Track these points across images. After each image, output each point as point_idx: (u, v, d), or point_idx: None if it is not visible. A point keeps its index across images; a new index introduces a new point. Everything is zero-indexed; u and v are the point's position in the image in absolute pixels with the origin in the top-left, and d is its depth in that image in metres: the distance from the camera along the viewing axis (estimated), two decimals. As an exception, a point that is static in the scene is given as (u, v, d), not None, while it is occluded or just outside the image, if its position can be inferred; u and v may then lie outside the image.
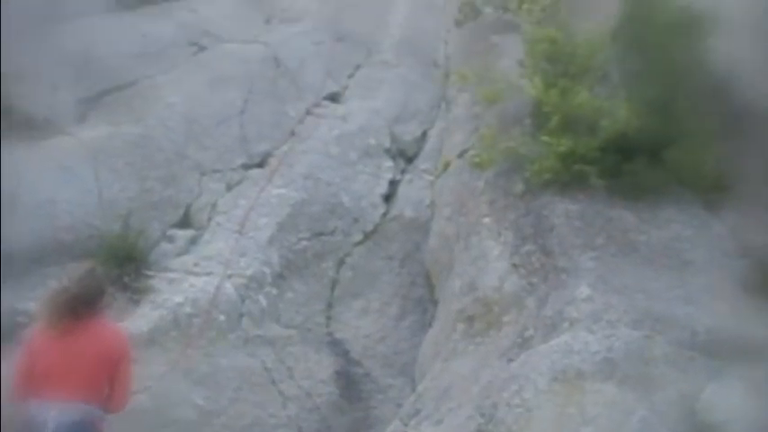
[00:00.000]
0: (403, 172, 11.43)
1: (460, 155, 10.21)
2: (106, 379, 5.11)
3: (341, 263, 9.58)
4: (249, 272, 8.74)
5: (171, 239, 9.32)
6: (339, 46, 14.24)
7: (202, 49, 12.98)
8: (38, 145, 9.58)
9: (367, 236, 10.01)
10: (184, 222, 9.67)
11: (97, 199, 9.20)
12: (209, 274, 8.63)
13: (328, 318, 9.13)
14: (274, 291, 8.83)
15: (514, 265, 7.63)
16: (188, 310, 8.08)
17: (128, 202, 9.34)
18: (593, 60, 8.81)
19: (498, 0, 14.87)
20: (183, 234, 9.43)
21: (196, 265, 8.77)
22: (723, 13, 9.06)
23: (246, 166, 10.69)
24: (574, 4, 13.05)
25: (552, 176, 7.89)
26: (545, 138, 7.97)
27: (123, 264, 8.33)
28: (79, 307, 4.91)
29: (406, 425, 7.19)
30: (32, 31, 10.98)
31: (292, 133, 11.57)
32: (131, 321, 7.64)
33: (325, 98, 12.74)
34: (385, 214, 10.46)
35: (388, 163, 11.40)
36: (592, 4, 12.79)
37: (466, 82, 10.03)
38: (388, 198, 10.78)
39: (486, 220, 8.35)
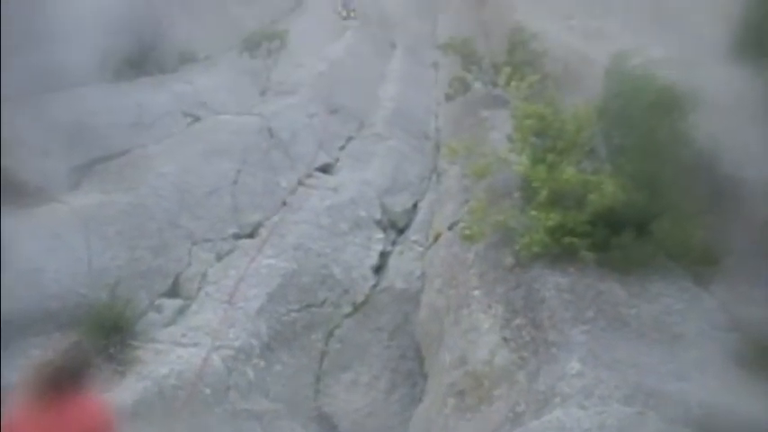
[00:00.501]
0: (393, 243, 11.50)
1: (451, 227, 10.30)
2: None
3: (330, 335, 9.47)
4: (237, 343, 8.60)
5: (159, 309, 9.21)
6: (332, 118, 14.57)
7: (197, 119, 13.24)
8: (29, 212, 9.53)
9: (357, 307, 9.95)
10: (173, 292, 9.58)
11: (86, 267, 9.11)
12: (196, 345, 8.47)
13: (317, 391, 8.95)
14: (262, 363, 8.67)
15: (505, 339, 7.56)
16: (173, 382, 7.90)
17: (117, 270, 9.24)
18: (580, 136, 9.01)
19: (487, 76, 15.41)
20: (172, 304, 9.32)
21: (183, 335, 8.62)
22: (704, 92, 9.39)
23: (237, 236, 10.71)
24: (561, 81, 13.50)
25: (542, 250, 7.94)
26: (534, 212, 8.07)
27: (110, 334, 8.18)
28: (63, 381, 4.77)
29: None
30: (28, 100, 11.14)
31: (284, 204, 11.68)
32: (116, 393, 7.45)
33: (318, 169, 12.95)
34: (375, 285, 10.43)
35: (379, 234, 11.48)
36: (578, 81, 13.22)
37: (456, 156, 10.19)
38: (379, 269, 10.78)
39: (477, 292, 8.34)
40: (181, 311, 9.18)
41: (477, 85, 15.25)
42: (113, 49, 13.73)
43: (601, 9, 20.79)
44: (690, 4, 20.30)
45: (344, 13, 20.29)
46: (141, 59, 14.31)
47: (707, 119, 8.96)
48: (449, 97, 15.43)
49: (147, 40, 14.68)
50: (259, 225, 11.03)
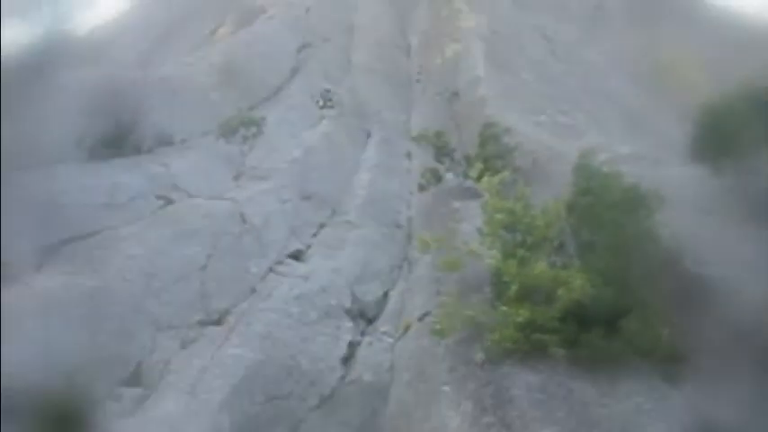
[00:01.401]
0: (363, 333, 11.31)
1: (421, 318, 10.23)
2: None
3: (295, 429, 9.15)
4: (198, 438, 8.29)
5: (118, 398, 8.88)
6: (305, 204, 14.61)
7: (170, 202, 13.17)
8: (-10, 294, 9.28)
9: (323, 400, 9.67)
10: (134, 380, 9.28)
11: (43, 353, 8.80)
12: (154, 439, 8.16)
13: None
14: (224, 459, 8.35)
15: (474, 438, 7.40)
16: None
17: (76, 356, 8.93)
18: (550, 231, 9.16)
19: (460, 167, 15.72)
20: (132, 393, 9.00)
21: (141, 429, 8.29)
22: (668, 190, 9.69)
23: (203, 323, 10.49)
24: (531, 175, 13.82)
25: (512, 346, 7.92)
26: (504, 307, 8.08)
27: (62, 427, 7.83)
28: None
29: None
30: (3, 177, 11.04)
31: (253, 290, 11.52)
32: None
33: (289, 256, 12.87)
34: (343, 377, 10.19)
35: (348, 324, 11.31)
36: (548, 175, 13.55)
37: (427, 248, 10.25)
38: (347, 360, 10.56)
39: (446, 388, 8.21)
40: (140, 401, 8.86)
41: (450, 176, 15.52)
42: (91, 128, 13.83)
43: (569, 105, 21.62)
44: (653, 104, 21.32)
45: (321, 102, 20.75)
46: (118, 140, 14.38)
47: (672, 217, 9.21)
48: (421, 187, 15.66)
49: (126, 121, 14.81)
50: (226, 312, 10.84)
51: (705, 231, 8.95)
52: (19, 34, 13.73)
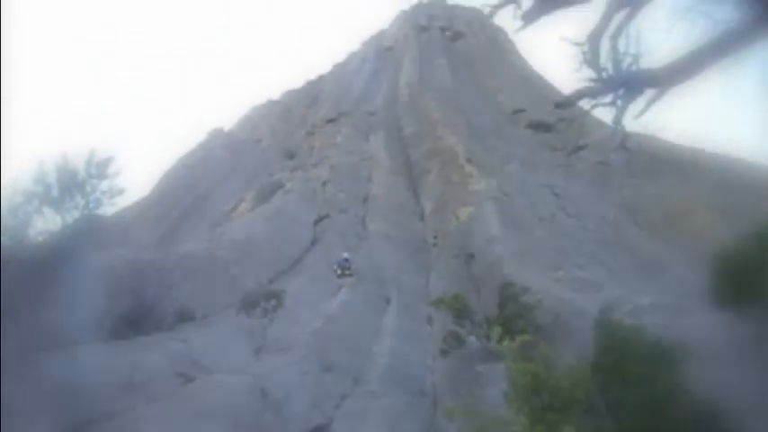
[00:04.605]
0: None
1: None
2: None
3: None
4: None
5: None
6: (326, 376, 14.35)
7: (190, 380, 13.02)
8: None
9: None
10: None
11: None
12: None
13: None
14: None
15: None
16: None
17: None
18: (576, 392, 8.88)
19: (481, 330, 15.58)
20: None
21: None
22: (693, 340, 9.46)
23: None
24: (553, 333, 13.63)
25: None
26: (536, 477, 7.67)
27: None
28: None
29: None
30: (24, 361, 11.10)
31: (274, 474, 11.06)
32: None
33: (312, 430, 12.43)
34: None
35: (376, 503, 10.70)
36: (569, 332, 13.36)
37: (452, 417, 9.93)
38: None
39: None
40: None
41: (471, 339, 15.34)
42: (112, 308, 14.05)
43: (585, 259, 21.75)
44: (668, 252, 21.40)
45: (340, 271, 21.07)
46: (139, 318, 14.54)
47: (699, 369, 8.93)
48: (443, 352, 15.44)
49: (147, 300, 15.08)
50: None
51: (736, 382, 8.63)
52: (51, 222, 14.45)
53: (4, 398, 10.02)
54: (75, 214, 14.80)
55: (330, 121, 41.01)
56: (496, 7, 10.43)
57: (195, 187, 34.80)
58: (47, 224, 14.35)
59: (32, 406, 10.38)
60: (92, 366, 11.86)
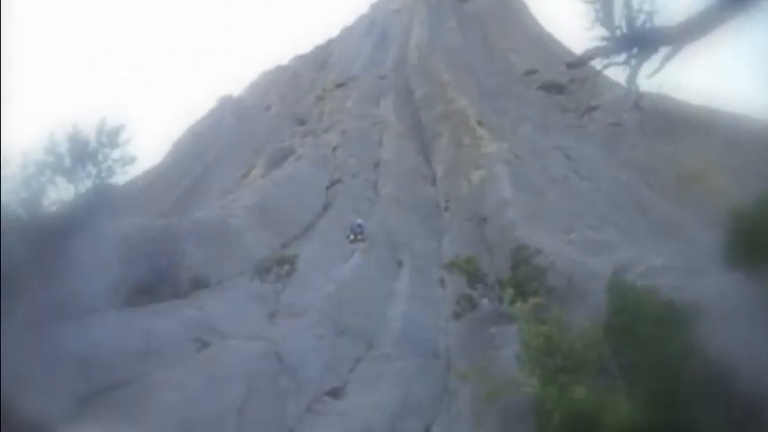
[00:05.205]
0: (406, 474, 10.85)
1: (465, 455, 9.84)
2: None
3: None
4: None
5: None
6: (340, 340, 14.50)
7: (205, 345, 13.17)
8: (25, 450, 9.21)
9: None
10: None
11: None
12: None
13: None
14: None
15: None
16: None
17: None
18: (589, 354, 8.91)
19: (493, 292, 15.61)
20: None
21: None
22: (706, 301, 9.43)
23: (241, 469, 10.18)
24: (565, 295, 13.63)
25: (561, 478, 7.50)
26: (549, 439, 7.74)
27: None
28: None
29: None
30: (41, 331, 11.26)
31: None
32: None
33: (326, 393, 12.62)
34: None
35: (391, 463, 10.89)
36: (582, 294, 13.35)
37: (465, 379, 10.01)
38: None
39: None
40: None
41: (484, 302, 15.39)
42: (127, 276, 14.17)
43: (598, 221, 21.65)
44: (681, 213, 21.25)
45: (353, 237, 21.13)
46: (155, 286, 14.66)
47: (712, 329, 8.91)
48: (456, 315, 15.53)
49: (161, 267, 15.18)
50: (264, 456, 10.53)
51: (748, 342, 8.60)
52: (64, 192, 14.51)
53: (22, 367, 10.19)
54: (88, 183, 14.83)
55: (339, 85, 40.69)
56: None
57: (206, 155, 34.83)
58: (60, 194, 14.41)
59: (50, 374, 10.55)
60: (108, 334, 12.01)
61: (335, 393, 12.73)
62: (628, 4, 8.92)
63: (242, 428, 10.90)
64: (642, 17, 8.85)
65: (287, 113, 40.55)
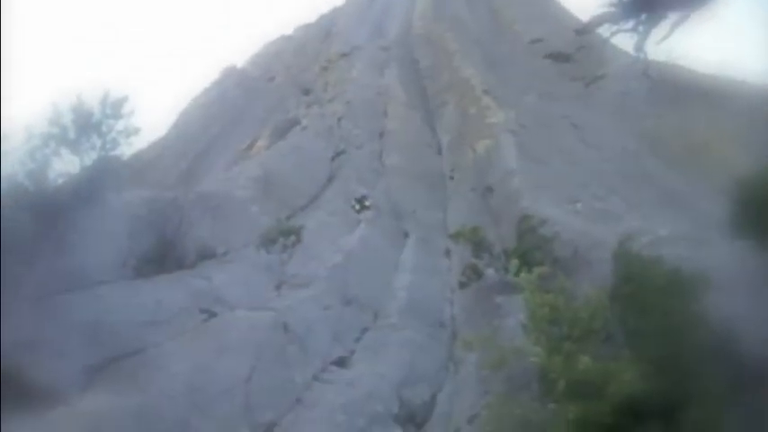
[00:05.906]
0: (412, 439, 11.00)
1: (470, 420, 9.93)
2: None
3: None
4: None
5: None
6: (347, 310, 14.61)
7: (213, 315, 13.30)
8: (35, 417, 9.34)
9: None
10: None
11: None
12: None
13: None
14: None
15: None
16: None
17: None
18: (594, 322, 8.95)
19: (499, 262, 15.64)
20: None
21: None
22: (713, 270, 9.43)
23: (249, 437, 10.33)
24: (571, 265, 13.65)
25: (566, 445, 7.58)
26: (552, 405, 7.80)
27: None
28: None
29: None
30: (50, 300, 11.39)
31: (298, 401, 11.37)
32: None
33: (333, 363, 12.75)
34: (394, 485, 9.84)
35: (397, 430, 11.02)
36: (588, 263, 13.37)
37: (471, 347, 10.09)
38: (396, 470, 10.22)
39: (500, 493, 7.85)
40: None
41: (490, 272, 15.42)
42: (135, 247, 14.27)
43: (605, 190, 21.56)
44: (689, 183, 21.13)
45: (358, 206, 21.13)
46: (161, 257, 14.75)
47: (719, 298, 8.92)
48: (462, 285, 15.57)
49: (168, 238, 15.26)
50: (272, 424, 10.68)
51: (755, 312, 8.62)
52: (69, 164, 14.54)
53: (33, 337, 10.32)
54: (93, 155, 14.85)
55: (344, 55, 40.28)
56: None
57: (210, 126, 34.67)
58: (65, 166, 14.45)
59: (60, 344, 10.68)
60: (116, 305, 12.13)
61: (342, 362, 12.87)
62: (636, -31, 8.78)
63: (250, 397, 11.05)
64: (651, -18, 8.72)
65: (292, 84, 40.24)
